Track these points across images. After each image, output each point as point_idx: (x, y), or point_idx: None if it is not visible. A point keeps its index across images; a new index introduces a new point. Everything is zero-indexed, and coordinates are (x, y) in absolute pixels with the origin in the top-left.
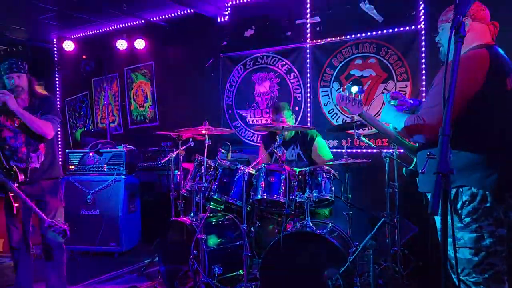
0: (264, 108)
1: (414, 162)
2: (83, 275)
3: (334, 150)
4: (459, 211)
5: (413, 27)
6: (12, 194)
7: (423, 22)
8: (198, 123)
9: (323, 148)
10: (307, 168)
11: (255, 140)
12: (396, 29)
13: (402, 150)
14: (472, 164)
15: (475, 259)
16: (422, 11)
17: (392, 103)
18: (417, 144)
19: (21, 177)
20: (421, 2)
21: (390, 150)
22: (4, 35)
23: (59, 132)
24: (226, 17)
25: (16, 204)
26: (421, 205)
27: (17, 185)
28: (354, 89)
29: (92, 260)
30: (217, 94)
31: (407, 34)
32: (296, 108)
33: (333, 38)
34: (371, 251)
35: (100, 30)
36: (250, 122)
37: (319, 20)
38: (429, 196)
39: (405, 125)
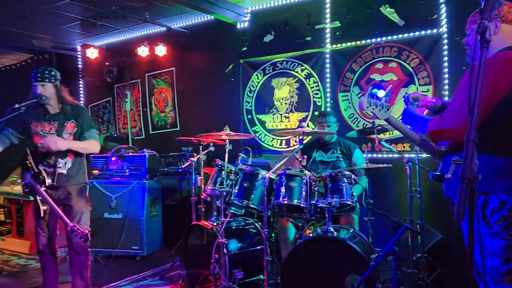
0: (283, 113)
1: (440, 167)
2: (106, 277)
3: None
4: (488, 218)
5: (435, 30)
6: (40, 197)
7: (445, 25)
8: (218, 128)
9: (360, 160)
10: (328, 173)
11: (274, 145)
12: (417, 33)
13: (425, 155)
14: (501, 170)
15: (504, 268)
16: (444, 14)
17: (413, 105)
18: (442, 148)
19: (48, 181)
20: (443, 5)
21: (413, 155)
22: (31, 43)
23: None
24: (246, 23)
25: (43, 208)
26: (445, 211)
27: (44, 189)
28: (381, 93)
29: (115, 263)
30: (236, 99)
31: (429, 37)
32: (316, 113)
33: (353, 43)
34: (394, 257)
35: (123, 38)
36: (270, 127)
37: (339, 24)
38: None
39: (429, 129)
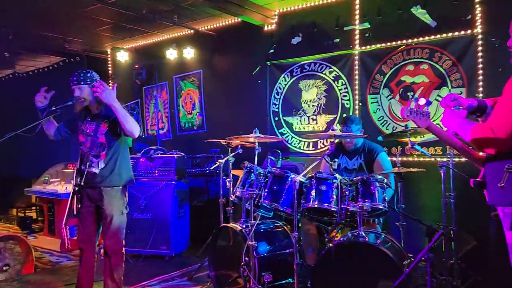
0: (311, 115)
1: (483, 174)
2: (135, 277)
3: None
4: None
5: (468, 31)
6: (77, 195)
7: (480, 26)
8: (245, 130)
9: (385, 163)
10: (360, 177)
11: (302, 148)
12: (450, 34)
13: (457, 159)
14: None
15: None
16: (479, 14)
17: (456, 108)
18: (480, 153)
19: (77, 179)
20: (478, 6)
21: (446, 159)
22: (63, 46)
23: None
24: (273, 25)
25: (78, 206)
26: (479, 217)
27: (77, 189)
28: (422, 101)
29: (144, 263)
30: (263, 102)
31: (462, 38)
32: (344, 115)
33: (383, 44)
34: (428, 263)
35: (152, 41)
36: (297, 130)
37: (369, 26)
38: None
39: (472, 136)
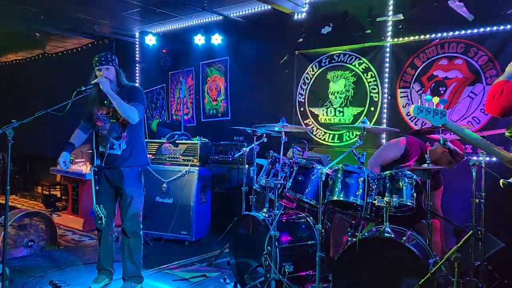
0: (338, 107)
1: None
2: (155, 260)
3: None
4: None
5: (508, 26)
6: (95, 177)
7: None
8: (269, 120)
9: None
10: (388, 171)
11: (326, 139)
12: (488, 28)
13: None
14: None
15: None
16: None
17: None
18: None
19: (98, 161)
20: None
21: (477, 158)
22: (93, 29)
23: None
24: (304, 14)
25: (96, 187)
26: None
27: (95, 169)
28: (435, 99)
29: (164, 247)
30: (290, 91)
31: (501, 33)
32: (372, 109)
33: (417, 37)
34: (456, 264)
35: (180, 25)
36: (322, 121)
37: (402, 17)
38: None
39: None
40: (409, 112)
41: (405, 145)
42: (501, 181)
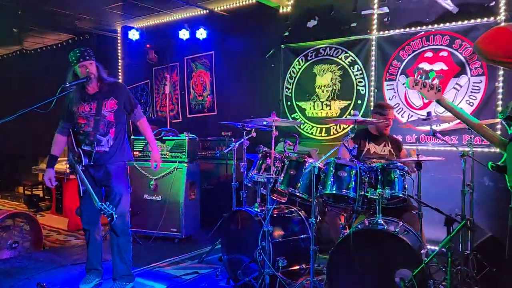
0: (325, 100)
1: (504, 157)
2: (145, 258)
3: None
4: None
5: (492, 18)
6: (79, 177)
7: (503, 14)
8: (256, 114)
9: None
10: (379, 164)
11: (314, 133)
12: (472, 21)
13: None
14: None
15: None
16: (503, 1)
17: None
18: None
19: (86, 160)
20: None
21: (467, 149)
22: (73, 24)
23: None
24: (289, 8)
25: (83, 188)
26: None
27: (83, 168)
28: (432, 74)
29: (154, 244)
30: (276, 85)
31: (484, 25)
32: (359, 102)
33: (402, 30)
34: (449, 253)
35: (164, 20)
36: (310, 115)
37: (387, 10)
38: None
39: None
40: (395, 104)
41: None
42: (490, 163)
